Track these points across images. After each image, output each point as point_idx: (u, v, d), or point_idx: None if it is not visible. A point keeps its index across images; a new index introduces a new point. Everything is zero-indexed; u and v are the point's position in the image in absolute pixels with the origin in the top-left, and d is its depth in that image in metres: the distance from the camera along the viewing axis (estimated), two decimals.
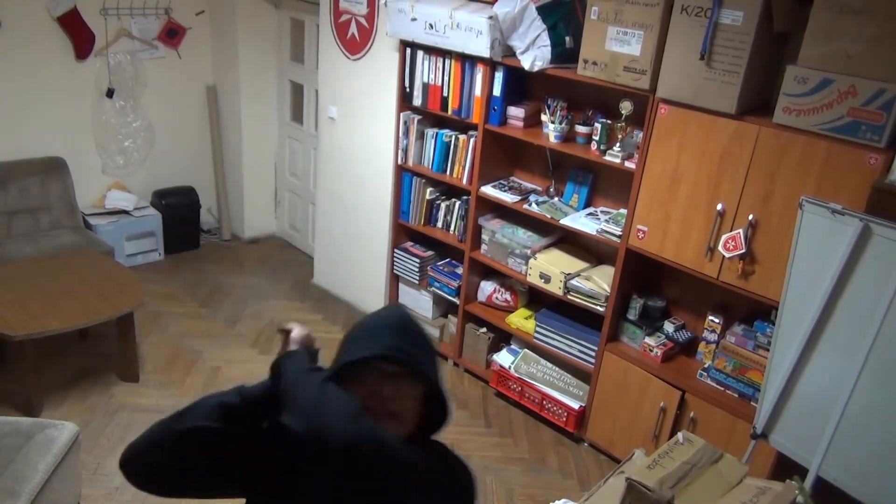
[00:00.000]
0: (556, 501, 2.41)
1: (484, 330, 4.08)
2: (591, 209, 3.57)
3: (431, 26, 3.56)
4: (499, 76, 3.51)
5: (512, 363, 3.84)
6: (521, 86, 3.65)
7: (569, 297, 3.52)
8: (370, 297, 4.61)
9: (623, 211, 3.33)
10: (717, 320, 3.21)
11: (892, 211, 2.25)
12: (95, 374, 3.83)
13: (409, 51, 3.84)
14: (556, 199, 3.66)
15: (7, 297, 3.50)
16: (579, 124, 3.40)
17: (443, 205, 4.08)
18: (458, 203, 3.99)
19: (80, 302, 3.55)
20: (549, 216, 3.51)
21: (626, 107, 3.14)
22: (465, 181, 3.84)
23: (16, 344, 3.31)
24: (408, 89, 3.92)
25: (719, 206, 2.87)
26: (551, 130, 3.42)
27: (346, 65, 4.29)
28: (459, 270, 4.09)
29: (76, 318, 3.45)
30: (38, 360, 3.45)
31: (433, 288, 4.18)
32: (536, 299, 3.93)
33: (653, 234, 3.12)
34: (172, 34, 5.02)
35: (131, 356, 3.79)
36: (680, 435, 2.08)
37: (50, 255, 4.09)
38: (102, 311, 3.51)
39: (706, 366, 3.20)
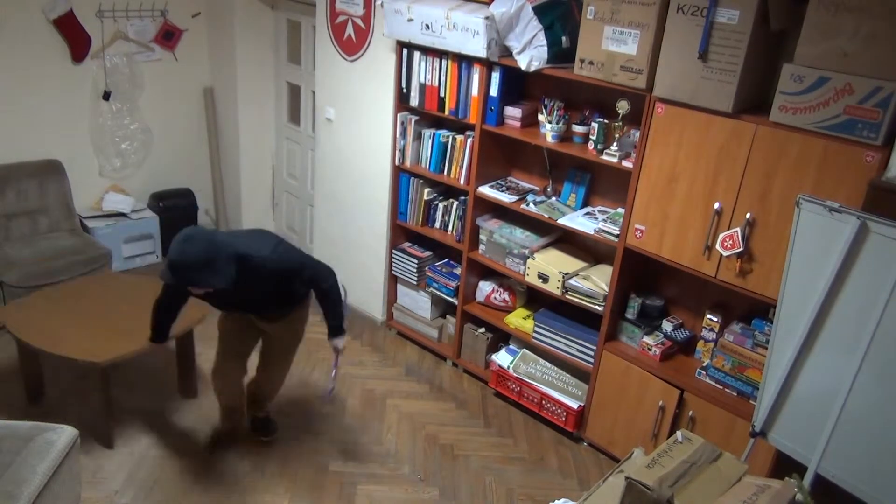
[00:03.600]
0: (556, 501, 2.40)
1: (482, 330, 4.08)
2: (588, 209, 3.57)
3: (428, 27, 3.56)
4: (495, 76, 3.51)
5: (511, 363, 3.84)
6: (518, 86, 3.65)
7: (567, 296, 3.52)
8: (369, 298, 4.61)
9: (621, 210, 3.33)
10: (715, 319, 3.21)
11: (889, 208, 2.25)
12: (154, 391, 3.77)
13: (405, 51, 3.84)
14: (553, 198, 3.66)
15: (68, 324, 3.35)
16: (576, 124, 3.40)
17: (441, 205, 4.08)
18: (455, 203, 3.99)
19: (143, 322, 3.19)
20: (546, 216, 3.51)
21: (622, 106, 3.14)
22: (462, 181, 3.85)
23: (96, 371, 3.18)
24: (405, 90, 3.92)
25: (717, 205, 2.87)
26: (548, 130, 3.42)
27: (343, 66, 4.29)
28: (458, 271, 4.09)
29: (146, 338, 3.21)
30: (101, 384, 3.27)
31: (431, 288, 4.18)
32: (535, 299, 3.93)
33: (650, 234, 3.13)
34: (169, 36, 5.02)
35: (190, 372, 3.71)
36: (679, 434, 2.08)
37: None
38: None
39: (705, 364, 3.20)
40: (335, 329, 3.06)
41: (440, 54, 3.68)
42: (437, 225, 4.13)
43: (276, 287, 2.89)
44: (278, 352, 3.25)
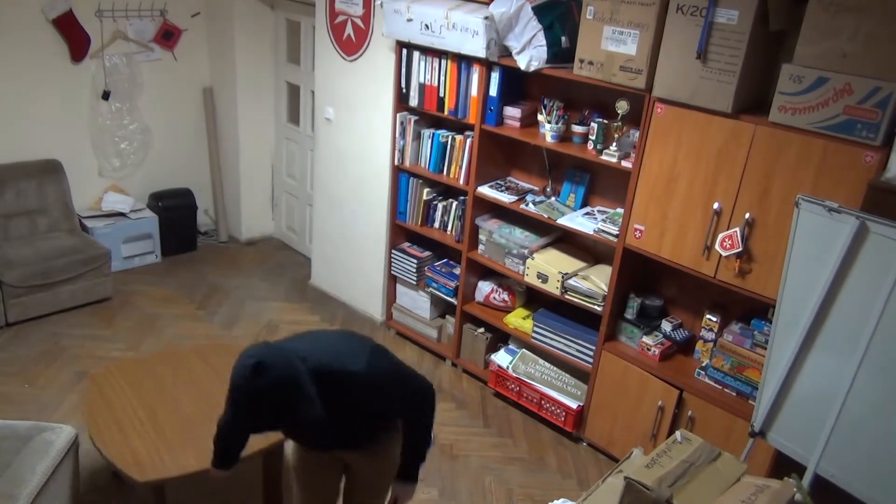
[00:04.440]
0: (555, 501, 2.40)
1: (482, 330, 4.08)
2: (588, 209, 3.57)
3: (427, 27, 3.56)
4: (495, 76, 3.51)
5: (510, 363, 3.84)
6: (518, 86, 3.65)
7: (566, 296, 3.52)
8: (368, 298, 4.61)
9: (620, 210, 3.33)
10: (714, 319, 3.21)
11: (889, 208, 2.25)
12: None
13: (405, 51, 3.84)
14: (553, 198, 3.66)
15: (140, 414, 2.81)
16: (576, 124, 3.41)
17: (440, 205, 4.08)
18: (455, 203, 3.99)
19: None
20: (546, 216, 3.51)
21: (622, 106, 3.14)
22: (462, 181, 3.85)
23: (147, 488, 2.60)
24: (404, 90, 3.92)
25: (716, 205, 2.87)
26: (548, 130, 3.42)
27: (343, 66, 4.29)
28: (457, 271, 4.09)
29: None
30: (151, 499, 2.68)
31: (431, 288, 4.18)
32: (534, 299, 3.93)
33: (650, 234, 3.13)
34: (168, 36, 5.02)
35: (277, 497, 2.96)
36: (678, 433, 2.08)
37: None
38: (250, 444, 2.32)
39: (704, 364, 3.20)
40: (410, 471, 2.29)
41: (439, 54, 3.68)
42: (437, 225, 4.13)
43: (370, 409, 2.18)
44: (369, 494, 2.45)
